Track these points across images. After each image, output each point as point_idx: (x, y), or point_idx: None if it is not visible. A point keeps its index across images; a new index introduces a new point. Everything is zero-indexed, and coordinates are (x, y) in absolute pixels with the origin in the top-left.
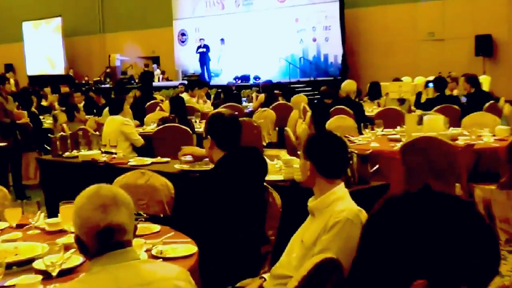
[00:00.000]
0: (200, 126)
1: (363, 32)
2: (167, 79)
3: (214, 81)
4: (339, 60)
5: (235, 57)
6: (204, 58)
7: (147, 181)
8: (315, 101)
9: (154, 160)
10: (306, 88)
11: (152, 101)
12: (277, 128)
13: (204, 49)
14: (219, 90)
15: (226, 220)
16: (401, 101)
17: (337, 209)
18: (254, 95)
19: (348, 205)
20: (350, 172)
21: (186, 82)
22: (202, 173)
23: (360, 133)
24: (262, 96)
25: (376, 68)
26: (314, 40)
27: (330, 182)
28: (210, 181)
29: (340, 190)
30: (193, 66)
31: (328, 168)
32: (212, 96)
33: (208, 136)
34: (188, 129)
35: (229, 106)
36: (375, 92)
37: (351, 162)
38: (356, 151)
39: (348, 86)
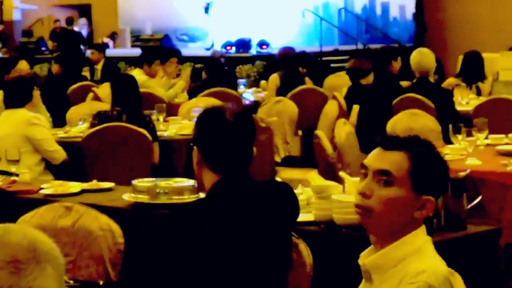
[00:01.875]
0: (165, 128)
1: None
2: (106, 45)
3: (188, 50)
4: (409, 15)
5: (226, 10)
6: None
7: (75, 222)
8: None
9: (86, 185)
10: None
11: (79, 84)
12: (300, 132)
13: None
14: (197, 65)
15: None
16: None
17: (412, 269)
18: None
19: (431, 263)
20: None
21: (139, 50)
22: (178, 208)
23: (448, 141)
24: (275, 76)
25: (476, 29)
26: None
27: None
28: (191, 224)
29: (419, 239)
30: (151, 21)
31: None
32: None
33: (195, 147)
34: (145, 133)
35: (216, 93)
36: (473, 70)
37: None
38: None
39: (424, 59)
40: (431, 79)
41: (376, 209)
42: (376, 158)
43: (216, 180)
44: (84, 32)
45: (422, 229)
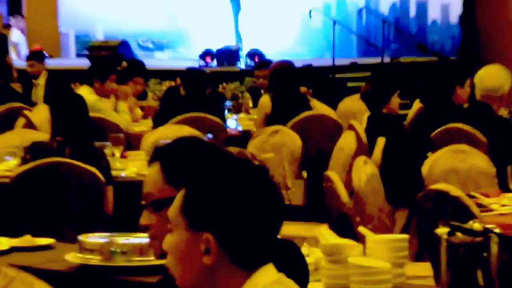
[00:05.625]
0: (122, 167)
1: None
2: (40, 54)
3: (153, 61)
4: (454, 17)
5: (206, 9)
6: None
7: None
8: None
9: (17, 242)
10: None
11: (7, 105)
12: (305, 173)
13: None
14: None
15: None
16: None
17: None
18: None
19: None
20: (481, 277)
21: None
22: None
23: (506, 187)
24: (265, 100)
25: None
26: None
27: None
28: None
29: (267, 278)
30: (103, 23)
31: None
32: (158, 95)
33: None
34: (96, 172)
35: (192, 118)
36: None
37: (485, 255)
38: (496, 229)
39: (494, 80)
40: (493, 105)
41: None
42: None
43: None
44: (18, 34)
45: (269, 267)
